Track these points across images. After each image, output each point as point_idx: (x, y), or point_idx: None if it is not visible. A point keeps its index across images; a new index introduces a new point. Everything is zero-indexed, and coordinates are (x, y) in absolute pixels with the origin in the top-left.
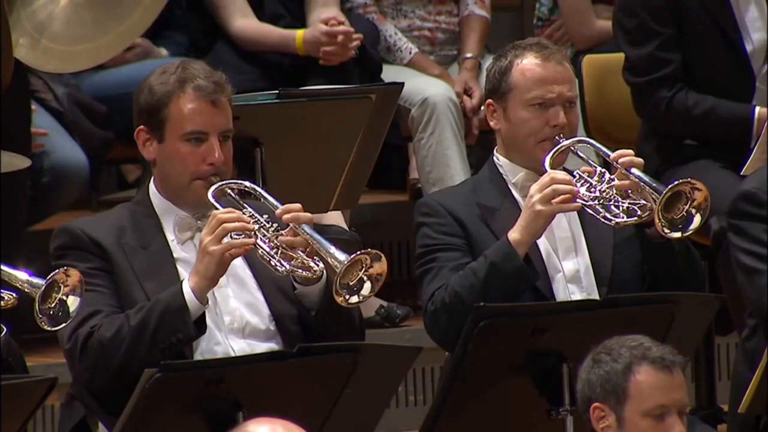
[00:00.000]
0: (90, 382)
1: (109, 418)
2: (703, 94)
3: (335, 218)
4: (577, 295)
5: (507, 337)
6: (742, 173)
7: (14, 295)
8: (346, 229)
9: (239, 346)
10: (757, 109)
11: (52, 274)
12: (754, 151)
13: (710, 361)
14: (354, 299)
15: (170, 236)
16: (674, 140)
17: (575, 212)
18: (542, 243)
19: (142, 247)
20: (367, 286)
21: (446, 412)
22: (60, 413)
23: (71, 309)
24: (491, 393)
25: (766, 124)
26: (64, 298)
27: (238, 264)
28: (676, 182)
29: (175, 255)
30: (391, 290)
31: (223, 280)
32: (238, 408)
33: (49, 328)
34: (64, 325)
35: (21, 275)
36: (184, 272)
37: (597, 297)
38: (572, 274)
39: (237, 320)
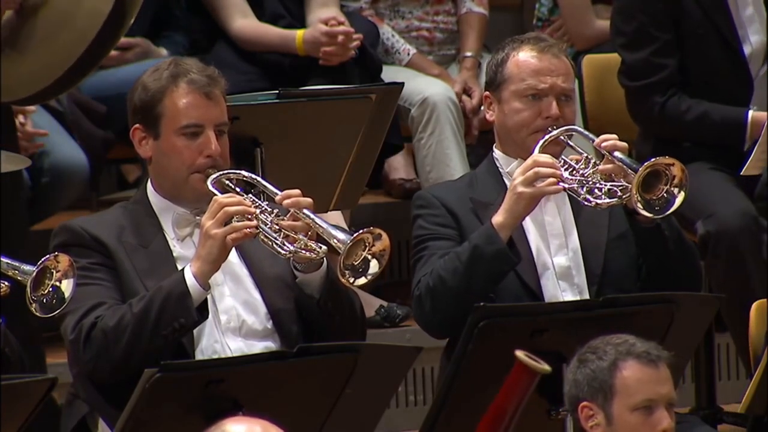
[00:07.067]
0: (93, 372)
1: (110, 411)
2: (701, 96)
3: (335, 218)
4: (567, 292)
5: (507, 337)
6: (741, 174)
7: (6, 284)
8: (347, 229)
9: (236, 345)
10: (751, 113)
11: (42, 260)
12: (754, 151)
13: (710, 361)
14: (362, 280)
15: (169, 235)
16: (671, 142)
17: (568, 207)
18: (533, 239)
19: (143, 246)
20: (374, 263)
21: (446, 412)
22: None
23: (66, 294)
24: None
25: (766, 124)
26: (57, 283)
27: (235, 261)
28: (651, 160)
29: (174, 254)
30: (391, 290)
31: (219, 277)
32: (238, 408)
33: (42, 315)
34: (59, 311)
35: (12, 262)
36: None
37: (587, 293)
38: (563, 270)
39: (233, 319)
